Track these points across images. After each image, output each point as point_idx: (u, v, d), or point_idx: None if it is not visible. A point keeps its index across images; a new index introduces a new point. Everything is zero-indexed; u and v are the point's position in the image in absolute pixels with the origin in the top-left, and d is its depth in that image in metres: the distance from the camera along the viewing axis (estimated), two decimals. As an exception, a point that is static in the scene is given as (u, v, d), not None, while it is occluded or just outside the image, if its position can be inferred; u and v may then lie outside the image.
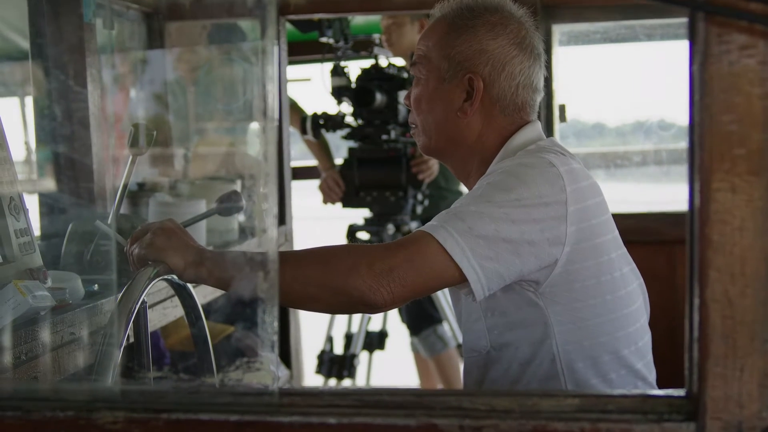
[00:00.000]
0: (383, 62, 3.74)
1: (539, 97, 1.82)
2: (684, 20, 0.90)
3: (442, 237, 1.56)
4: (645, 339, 1.77)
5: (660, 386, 1.78)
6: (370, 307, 1.57)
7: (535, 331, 1.68)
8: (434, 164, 3.77)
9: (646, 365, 1.76)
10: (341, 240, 4.02)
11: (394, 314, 4.23)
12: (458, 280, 1.59)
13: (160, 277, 1.65)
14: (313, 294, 1.59)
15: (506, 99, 1.77)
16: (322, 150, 4.05)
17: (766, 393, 0.88)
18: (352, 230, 3.96)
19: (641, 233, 3.14)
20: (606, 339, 1.68)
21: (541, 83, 1.82)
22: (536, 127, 1.81)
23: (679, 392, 0.92)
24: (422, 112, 1.82)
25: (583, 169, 1.72)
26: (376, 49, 3.76)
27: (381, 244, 1.62)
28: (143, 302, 1.68)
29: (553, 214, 1.60)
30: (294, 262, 1.61)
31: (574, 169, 1.68)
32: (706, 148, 0.87)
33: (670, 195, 2.86)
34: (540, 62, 1.80)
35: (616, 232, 1.75)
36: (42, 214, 2.46)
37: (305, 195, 4.61)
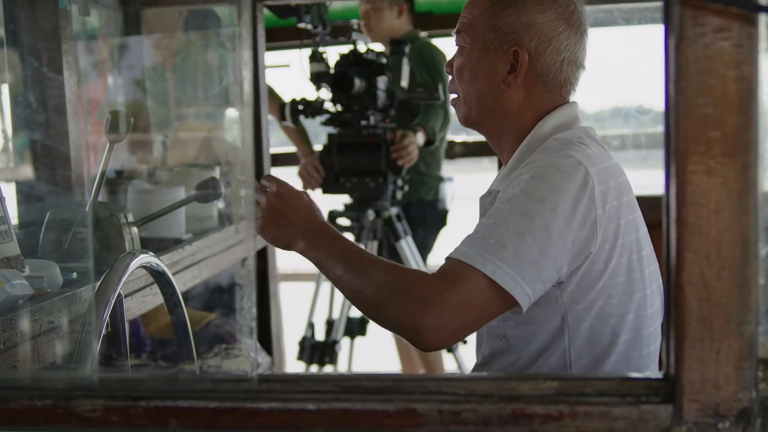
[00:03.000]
0: (362, 48, 3.73)
1: (582, 73, 1.79)
2: (660, 4, 0.90)
3: (490, 270, 1.52)
4: (656, 344, 1.75)
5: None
6: (421, 348, 1.60)
7: (551, 326, 1.66)
8: (414, 149, 3.77)
9: (654, 371, 1.74)
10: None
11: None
12: (509, 306, 1.57)
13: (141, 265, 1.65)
14: (373, 316, 1.65)
15: (550, 74, 1.74)
16: (301, 136, 4.04)
17: (742, 375, 0.89)
18: (332, 216, 3.96)
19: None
20: (619, 341, 1.67)
21: (585, 59, 1.78)
22: (571, 110, 1.77)
23: (657, 374, 0.93)
24: (464, 82, 1.78)
25: (613, 166, 1.69)
26: (354, 35, 3.75)
27: (436, 289, 1.54)
28: (118, 295, 1.67)
29: (585, 217, 1.58)
30: (369, 281, 1.63)
31: (603, 169, 1.64)
32: (682, 130, 0.88)
33: (649, 179, 2.87)
34: (585, 38, 1.76)
35: (643, 230, 1.72)
36: (19, 202, 2.45)
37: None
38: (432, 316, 1.51)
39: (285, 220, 1.74)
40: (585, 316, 1.64)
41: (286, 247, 1.76)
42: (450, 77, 1.84)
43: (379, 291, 1.60)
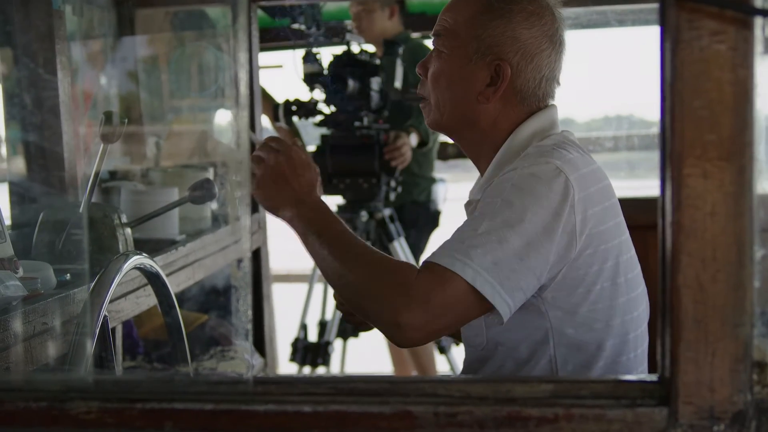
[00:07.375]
0: (355, 48, 3.72)
1: (557, 87, 1.77)
2: (655, 5, 0.91)
3: (470, 276, 1.51)
4: (643, 346, 1.74)
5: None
6: (396, 343, 1.59)
7: (534, 333, 1.64)
8: (407, 151, 3.77)
9: (642, 373, 1.73)
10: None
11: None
12: (486, 311, 1.56)
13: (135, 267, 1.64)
14: (353, 303, 1.66)
15: (528, 91, 1.72)
16: (294, 137, 4.04)
17: (737, 377, 0.89)
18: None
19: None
20: (606, 346, 1.66)
21: (560, 75, 1.76)
22: (549, 115, 1.75)
23: (652, 377, 0.93)
24: (439, 88, 1.75)
25: (595, 170, 1.67)
26: (348, 36, 3.75)
27: (423, 289, 1.52)
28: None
29: (566, 224, 1.56)
30: (356, 268, 1.61)
31: (584, 174, 1.62)
32: (678, 133, 0.88)
33: (642, 180, 2.87)
34: (563, 55, 1.75)
35: (626, 235, 1.70)
36: (12, 204, 2.44)
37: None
38: (416, 313, 1.50)
39: (285, 184, 1.70)
40: (569, 323, 1.63)
41: (275, 210, 1.72)
42: (422, 79, 1.80)
43: (365, 280, 1.59)
